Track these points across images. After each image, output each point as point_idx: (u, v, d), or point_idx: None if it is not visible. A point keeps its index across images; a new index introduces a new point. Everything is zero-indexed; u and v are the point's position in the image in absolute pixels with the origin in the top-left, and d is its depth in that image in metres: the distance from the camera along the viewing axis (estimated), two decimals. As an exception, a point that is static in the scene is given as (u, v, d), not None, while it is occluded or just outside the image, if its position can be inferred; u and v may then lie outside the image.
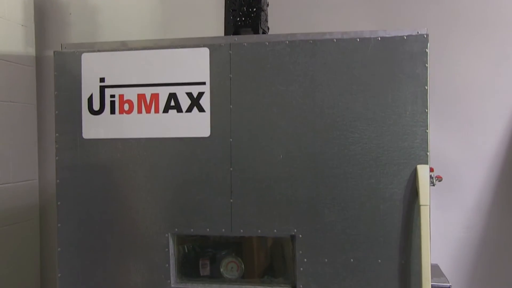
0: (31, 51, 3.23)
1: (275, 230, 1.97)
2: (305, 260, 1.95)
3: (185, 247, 2.14)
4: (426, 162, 1.89)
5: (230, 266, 2.09)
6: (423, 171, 1.87)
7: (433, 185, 1.94)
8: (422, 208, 1.84)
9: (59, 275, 2.09)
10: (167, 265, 2.03)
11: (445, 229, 2.92)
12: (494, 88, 2.84)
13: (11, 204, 3.02)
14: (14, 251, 3.03)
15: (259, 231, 1.98)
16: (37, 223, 3.24)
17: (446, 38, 2.83)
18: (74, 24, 3.21)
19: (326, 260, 1.94)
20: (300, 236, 1.95)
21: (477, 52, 2.82)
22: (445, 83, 2.86)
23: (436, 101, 2.71)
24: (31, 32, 3.22)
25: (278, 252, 2.13)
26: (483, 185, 2.92)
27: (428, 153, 1.89)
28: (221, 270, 2.09)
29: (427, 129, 1.88)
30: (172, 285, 2.03)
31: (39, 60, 3.28)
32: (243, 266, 2.09)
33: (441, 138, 2.83)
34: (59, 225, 2.09)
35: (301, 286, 1.96)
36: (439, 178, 2.04)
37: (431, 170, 1.96)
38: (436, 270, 2.53)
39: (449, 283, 2.33)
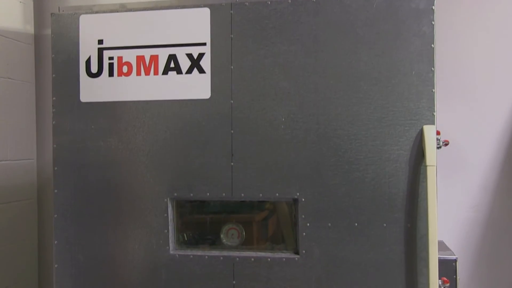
0: (30, 29, 3.19)
1: (277, 194, 1.92)
2: (308, 224, 1.90)
3: (185, 235, 2.09)
4: (432, 123, 1.83)
5: (230, 233, 2.03)
6: (429, 132, 1.82)
7: (439, 147, 1.89)
8: (428, 168, 1.79)
9: (55, 242, 2.04)
10: (166, 230, 1.97)
11: (451, 209, 2.86)
12: (502, 65, 2.79)
13: (8, 182, 2.97)
14: (12, 228, 2.98)
15: (261, 195, 1.93)
16: (35, 204, 3.19)
17: (451, 13, 2.78)
18: (74, 3, 3.17)
19: (330, 224, 1.89)
20: (303, 199, 1.90)
21: (484, 27, 2.77)
22: (451, 59, 2.81)
23: (442, 78, 2.67)
24: (29, 10, 3.18)
25: (281, 218, 2.07)
26: (489, 164, 2.87)
27: (435, 113, 1.84)
28: (221, 236, 2.03)
29: (434, 88, 1.83)
30: (171, 251, 1.98)
31: (37, 38, 3.24)
32: (244, 233, 2.04)
33: (447, 117, 2.77)
34: (55, 191, 2.04)
35: (304, 251, 1.90)
36: (446, 142, 1.98)
37: (438, 133, 1.91)
38: (441, 245, 2.47)
39: (455, 255, 2.28)
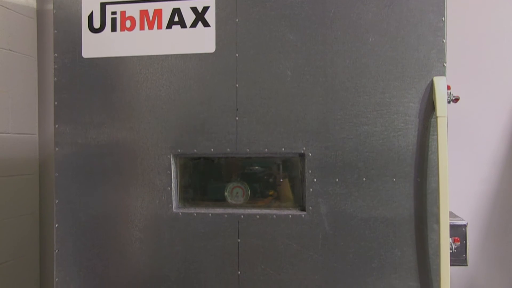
0: (32, 2, 3.16)
1: (283, 149, 1.87)
2: (315, 180, 1.85)
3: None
4: (443, 74, 1.78)
5: (235, 191, 1.98)
6: (440, 83, 1.77)
7: (449, 101, 1.84)
8: (439, 119, 1.74)
9: (56, 201, 1.99)
10: (169, 188, 1.93)
11: (461, 182, 2.81)
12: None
13: (9, 155, 2.93)
14: (14, 202, 2.94)
15: (266, 150, 1.88)
16: (36, 179, 3.15)
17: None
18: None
19: (337, 179, 1.83)
20: (310, 154, 1.85)
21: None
22: (463, 29, 2.76)
23: (452, 49, 2.62)
24: (32, -17, 3.15)
25: (286, 175, 2.02)
26: (499, 137, 2.82)
27: (445, 64, 1.79)
28: (226, 194, 1.98)
29: (444, 38, 1.79)
30: (174, 210, 1.93)
31: (40, 13, 3.21)
32: (249, 192, 1.99)
33: (457, 90, 2.71)
34: (56, 149, 2.00)
35: (311, 207, 1.85)
36: (457, 97, 1.93)
37: (448, 88, 1.86)
38: (450, 214, 2.41)
39: (464, 221, 2.22)
